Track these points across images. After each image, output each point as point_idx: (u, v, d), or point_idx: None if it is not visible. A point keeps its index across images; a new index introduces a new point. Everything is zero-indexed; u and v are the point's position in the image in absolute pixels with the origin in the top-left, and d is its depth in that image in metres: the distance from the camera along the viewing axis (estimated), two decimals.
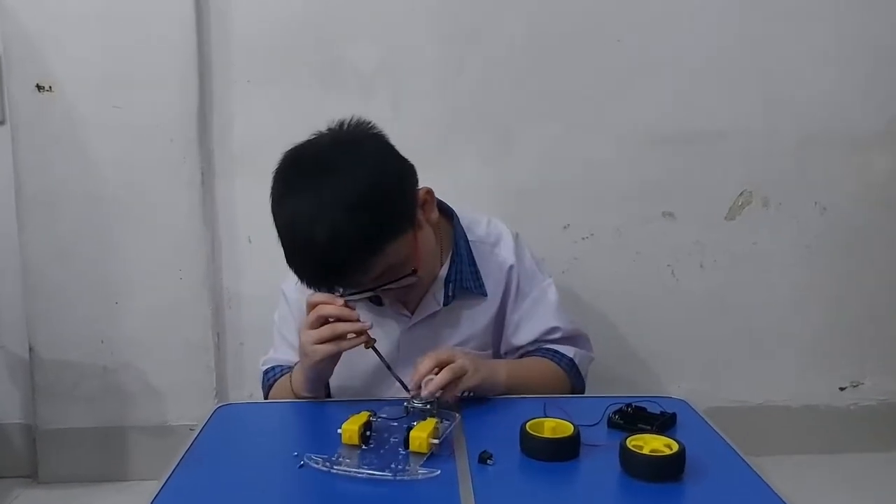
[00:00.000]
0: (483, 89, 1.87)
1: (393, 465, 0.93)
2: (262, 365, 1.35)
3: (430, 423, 0.98)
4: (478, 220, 1.36)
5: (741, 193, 1.94)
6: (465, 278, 1.28)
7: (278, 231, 1.14)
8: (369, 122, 1.19)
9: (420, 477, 0.91)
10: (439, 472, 0.92)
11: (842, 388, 2.04)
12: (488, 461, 0.95)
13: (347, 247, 1.08)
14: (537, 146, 1.90)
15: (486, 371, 1.17)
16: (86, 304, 1.90)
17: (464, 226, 1.32)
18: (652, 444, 0.93)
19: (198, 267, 1.90)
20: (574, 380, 1.33)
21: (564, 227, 1.93)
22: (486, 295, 1.30)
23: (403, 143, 1.20)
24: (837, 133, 1.92)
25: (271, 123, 1.84)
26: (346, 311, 1.12)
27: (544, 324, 1.33)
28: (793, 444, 2.00)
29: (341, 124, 1.18)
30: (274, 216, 1.15)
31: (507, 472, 0.94)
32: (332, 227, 1.07)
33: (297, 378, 1.21)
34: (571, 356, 1.33)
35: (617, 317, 1.97)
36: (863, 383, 2.04)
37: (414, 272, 1.17)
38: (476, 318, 1.31)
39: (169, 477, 0.95)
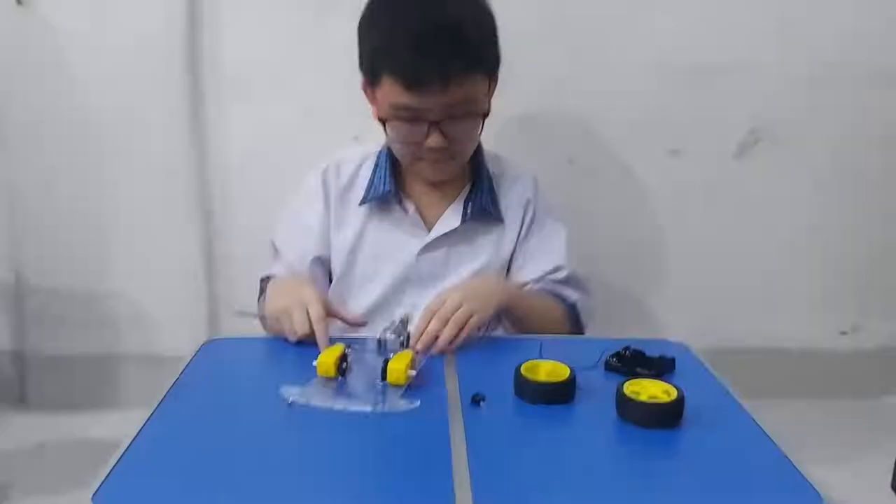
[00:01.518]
0: None
1: (371, 398, 0.92)
2: (264, 276, 1.33)
3: (407, 355, 0.97)
4: (499, 156, 1.38)
5: (751, 131, 1.87)
6: (483, 200, 1.28)
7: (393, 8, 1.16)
8: None
9: (402, 408, 0.90)
10: (419, 402, 0.91)
11: (843, 333, 2.01)
12: (481, 403, 0.92)
13: (471, 33, 1.14)
14: (538, 76, 1.80)
15: (485, 298, 1.14)
16: (73, 229, 1.86)
17: (487, 158, 1.33)
18: (650, 389, 0.90)
19: (188, 195, 1.85)
20: (573, 325, 1.31)
21: (569, 162, 1.86)
22: (502, 221, 1.30)
23: None
24: (856, 67, 1.82)
25: (264, 46, 1.76)
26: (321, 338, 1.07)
27: (551, 262, 1.32)
28: (792, 387, 1.97)
29: None
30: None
31: (499, 414, 0.92)
32: (460, 16, 1.14)
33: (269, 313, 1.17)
34: (574, 300, 1.31)
35: (619, 258, 1.92)
36: (864, 327, 2.01)
37: (484, 115, 1.21)
38: (491, 245, 1.31)
39: (156, 408, 0.92)
